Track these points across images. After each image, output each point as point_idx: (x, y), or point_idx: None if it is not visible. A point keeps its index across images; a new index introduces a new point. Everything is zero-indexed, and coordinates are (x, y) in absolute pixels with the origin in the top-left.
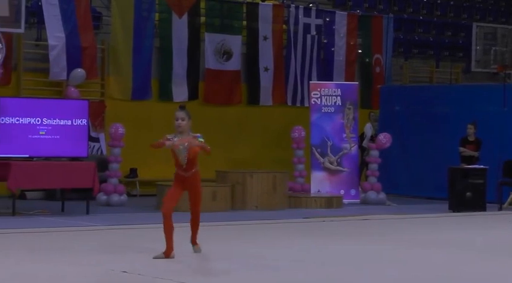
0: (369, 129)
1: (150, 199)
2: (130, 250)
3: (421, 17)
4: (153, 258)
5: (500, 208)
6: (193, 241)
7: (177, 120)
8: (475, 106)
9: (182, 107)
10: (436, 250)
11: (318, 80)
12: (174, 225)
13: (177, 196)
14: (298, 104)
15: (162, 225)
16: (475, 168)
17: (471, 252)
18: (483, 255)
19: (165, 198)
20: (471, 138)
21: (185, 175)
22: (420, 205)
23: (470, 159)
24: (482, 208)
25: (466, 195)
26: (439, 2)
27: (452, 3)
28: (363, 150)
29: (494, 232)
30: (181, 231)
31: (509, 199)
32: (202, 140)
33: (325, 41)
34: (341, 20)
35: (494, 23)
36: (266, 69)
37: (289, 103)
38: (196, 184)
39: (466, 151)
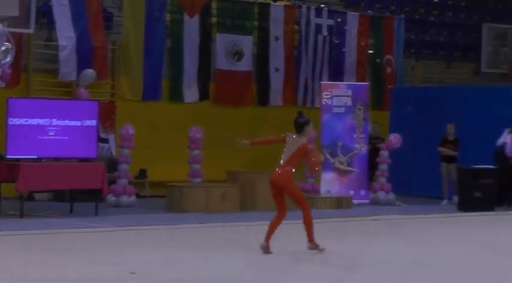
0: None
1: (160, 201)
2: (139, 251)
3: (432, 18)
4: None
5: (508, 209)
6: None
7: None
8: (486, 107)
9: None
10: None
11: (328, 81)
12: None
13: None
14: (308, 105)
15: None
16: (485, 169)
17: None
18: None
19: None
20: (450, 138)
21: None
22: (429, 206)
23: (450, 158)
24: (492, 209)
25: (475, 195)
26: (450, 3)
27: (463, 4)
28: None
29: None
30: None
31: None
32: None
33: (336, 42)
34: (352, 20)
35: (504, 24)
36: (277, 70)
37: (300, 104)
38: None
39: (446, 150)
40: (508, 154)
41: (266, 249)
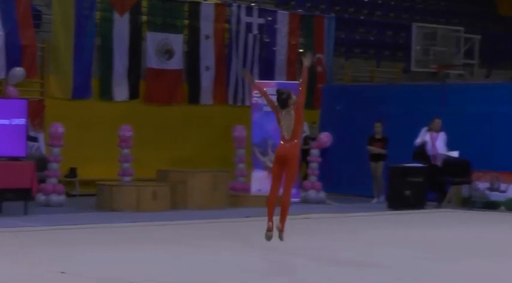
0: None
1: (90, 199)
2: (69, 250)
3: (362, 17)
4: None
5: (438, 207)
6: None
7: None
8: (415, 105)
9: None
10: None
11: (259, 79)
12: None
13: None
14: (239, 103)
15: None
16: (414, 167)
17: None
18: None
19: None
20: (378, 136)
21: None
22: (360, 204)
23: (378, 157)
24: (422, 207)
25: (404, 193)
26: (380, 2)
27: (393, 3)
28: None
29: (435, 230)
30: None
31: (446, 198)
32: None
33: (267, 40)
34: (283, 19)
35: (434, 23)
36: (207, 68)
37: (231, 102)
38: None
39: (373, 149)
40: (429, 153)
41: (279, 229)
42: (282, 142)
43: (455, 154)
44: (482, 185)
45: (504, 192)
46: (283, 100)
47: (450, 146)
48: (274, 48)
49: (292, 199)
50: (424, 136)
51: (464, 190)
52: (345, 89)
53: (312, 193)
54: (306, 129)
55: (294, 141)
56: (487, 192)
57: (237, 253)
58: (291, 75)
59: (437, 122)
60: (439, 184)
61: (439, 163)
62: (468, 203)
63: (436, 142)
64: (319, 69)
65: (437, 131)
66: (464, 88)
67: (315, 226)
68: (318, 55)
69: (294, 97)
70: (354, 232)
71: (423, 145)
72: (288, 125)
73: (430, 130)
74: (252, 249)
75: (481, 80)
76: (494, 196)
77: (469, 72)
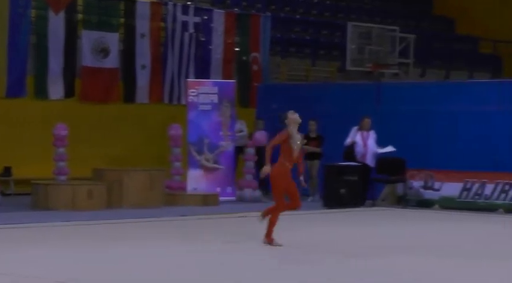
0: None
1: (25, 198)
2: (3, 249)
3: (297, 16)
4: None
5: (373, 205)
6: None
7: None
8: (350, 104)
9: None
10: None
11: (195, 78)
12: None
13: None
14: (175, 102)
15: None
16: (349, 165)
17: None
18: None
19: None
20: (313, 135)
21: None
22: None
23: (313, 156)
24: (357, 205)
25: (340, 192)
26: (315, 1)
27: (328, 2)
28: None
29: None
30: None
31: (381, 195)
32: None
33: (202, 39)
34: (219, 18)
35: (369, 22)
36: (143, 67)
37: (166, 101)
38: None
39: (309, 148)
40: (359, 152)
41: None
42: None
43: (390, 149)
44: (417, 183)
45: (438, 190)
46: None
47: (385, 145)
48: (210, 47)
49: (228, 198)
50: (354, 136)
51: (399, 188)
52: (281, 87)
53: (247, 192)
54: (243, 128)
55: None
56: (422, 190)
57: (173, 251)
58: (227, 74)
59: (367, 121)
60: (372, 182)
61: (369, 162)
62: (403, 201)
63: (368, 141)
64: (254, 68)
65: (368, 130)
66: (399, 87)
67: (251, 225)
68: (254, 54)
69: (289, 118)
70: (291, 230)
71: (353, 145)
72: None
73: (360, 129)
74: (187, 247)
75: (415, 79)
76: (429, 194)
77: (404, 71)
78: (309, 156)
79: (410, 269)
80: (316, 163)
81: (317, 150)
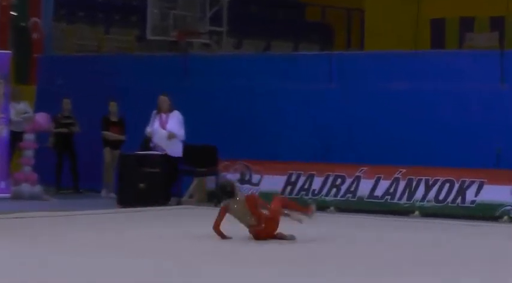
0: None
1: None
2: None
3: None
4: None
5: (179, 202)
6: None
7: None
8: (153, 79)
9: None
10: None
11: None
12: None
13: None
14: None
15: None
16: (151, 155)
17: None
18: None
19: None
20: (114, 118)
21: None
22: (85, 200)
23: (116, 143)
24: (160, 203)
25: (139, 187)
26: None
27: None
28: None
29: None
30: None
31: (188, 192)
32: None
33: None
34: None
35: None
36: None
37: None
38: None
39: (111, 135)
40: (154, 141)
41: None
42: (255, 230)
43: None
44: (232, 176)
45: (257, 184)
46: (229, 193)
47: (195, 130)
48: None
49: (1, 195)
50: (154, 122)
51: (210, 182)
52: (67, 60)
53: (25, 187)
54: (28, 109)
55: (261, 224)
56: (238, 184)
57: None
58: (1, 43)
59: (164, 100)
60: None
61: (174, 151)
62: (214, 198)
63: (167, 126)
64: (35, 36)
65: (167, 111)
66: (210, 60)
67: (28, 228)
68: (34, 19)
69: (238, 188)
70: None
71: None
72: (245, 212)
73: (158, 112)
74: None
75: (230, 51)
76: (246, 189)
77: (216, 41)
78: (111, 144)
79: None
80: (118, 153)
81: (121, 137)
